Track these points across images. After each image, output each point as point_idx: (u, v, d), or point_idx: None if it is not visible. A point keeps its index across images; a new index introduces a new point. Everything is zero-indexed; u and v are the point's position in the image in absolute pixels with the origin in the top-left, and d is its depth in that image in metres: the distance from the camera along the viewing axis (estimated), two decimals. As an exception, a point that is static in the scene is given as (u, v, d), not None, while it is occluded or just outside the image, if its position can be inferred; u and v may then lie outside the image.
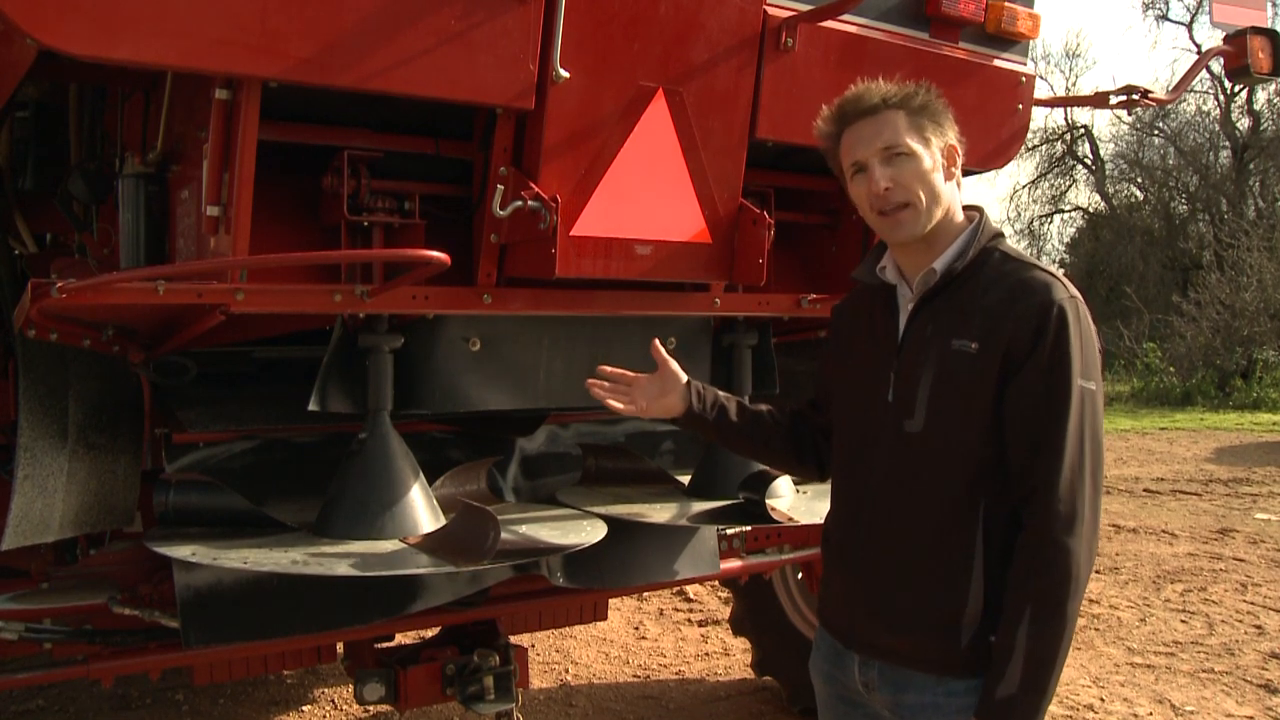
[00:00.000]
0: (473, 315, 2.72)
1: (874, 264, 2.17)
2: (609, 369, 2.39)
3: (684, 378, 2.37)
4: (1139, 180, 26.40)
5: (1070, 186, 28.53)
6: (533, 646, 5.24)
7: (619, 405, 2.34)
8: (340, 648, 3.44)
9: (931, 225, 2.04)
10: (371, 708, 4.34)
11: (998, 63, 3.15)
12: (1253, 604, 6.27)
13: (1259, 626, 5.85)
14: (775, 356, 3.43)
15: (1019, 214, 28.56)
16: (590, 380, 2.36)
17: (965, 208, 2.11)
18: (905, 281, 2.12)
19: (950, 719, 1.99)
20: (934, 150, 2.03)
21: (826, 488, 3.35)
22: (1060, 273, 2.02)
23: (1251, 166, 23.52)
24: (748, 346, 3.29)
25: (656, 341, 2.40)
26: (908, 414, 2.03)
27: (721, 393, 2.41)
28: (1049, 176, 28.25)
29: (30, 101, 3.10)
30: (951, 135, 2.07)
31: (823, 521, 2.31)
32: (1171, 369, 18.75)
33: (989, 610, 1.95)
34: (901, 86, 2.07)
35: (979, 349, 1.96)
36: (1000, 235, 2.09)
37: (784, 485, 3.15)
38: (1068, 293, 1.96)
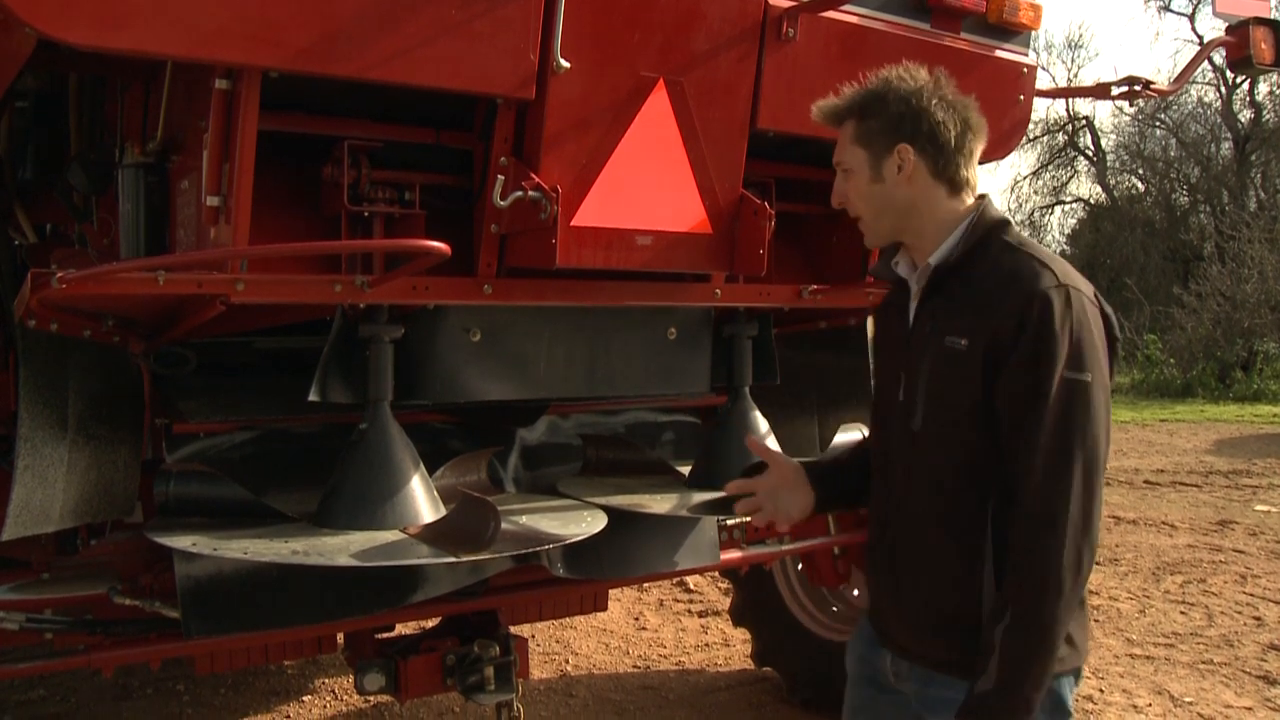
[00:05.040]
0: (473, 306, 2.72)
1: (890, 257, 2.16)
2: (731, 489, 2.33)
3: (799, 469, 2.29)
4: (1140, 172, 26.37)
5: (1071, 178, 28.51)
6: (533, 637, 5.25)
7: (765, 521, 2.31)
8: (341, 638, 3.44)
9: (889, 234, 2.08)
10: (372, 698, 4.35)
11: (999, 53, 3.15)
12: (1252, 595, 6.28)
13: (1258, 618, 5.86)
14: (776, 347, 3.43)
15: (1020, 205, 28.54)
16: (736, 506, 2.33)
17: (977, 197, 2.07)
18: (914, 276, 2.12)
19: None
20: (877, 159, 2.02)
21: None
22: (1057, 262, 1.97)
23: (1253, 158, 23.48)
24: (748, 337, 3.29)
25: (751, 439, 2.40)
26: (912, 413, 2.03)
27: (825, 462, 2.42)
28: (1050, 168, 28.22)
29: (30, 92, 3.09)
30: (909, 131, 2.00)
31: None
32: (1172, 360, 18.74)
33: None
34: (871, 85, 2.06)
35: (968, 345, 1.94)
36: (1003, 223, 2.04)
37: (784, 476, 3.14)
38: (1056, 281, 1.91)
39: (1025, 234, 2.04)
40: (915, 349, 2.05)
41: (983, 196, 2.08)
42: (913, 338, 2.07)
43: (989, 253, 2.00)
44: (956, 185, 2.04)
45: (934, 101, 2.01)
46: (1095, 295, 1.98)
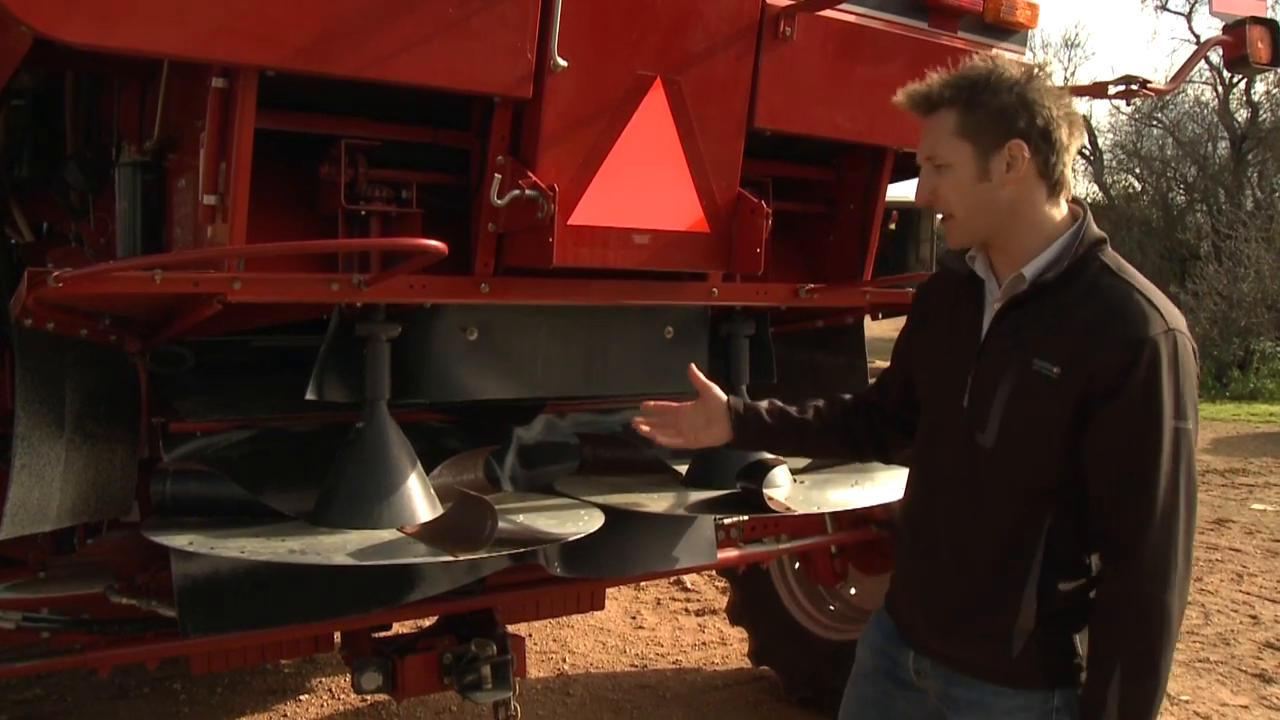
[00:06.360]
0: (470, 304, 2.72)
1: (964, 249, 2.05)
2: (651, 404, 2.37)
3: (724, 400, 2.32)
4: (1137, 171, 26.33)
5: (1068, 176, 28.49)
6: (530, 636, 5.25)
7: (667, 440, 2.33)
8: (338, 637, 3.44)
9: (981, 235, 1.95)
10: (369, 697, 4.34)
11: (996, 52, 3.14)
12: (1248, 594, 6.29)
13: (1254, 616, 5.86)
14: (773, 346, 3.43)
15: (1017, 204, 28.39)
16: (635, 419, 2.37)
17: (1072, 202, 1.96)
18: (994, 276, 2.00)
19: (992, 719, 1.97)
20: (984, 155, 1.88)
21: (826, 477, 3.39)
22: (1160, 298, 1.86)
23: (1250, 157, 23.45)
24: (745, 336, 3.29)
25: (693, 366, 2.39)
26: (980, 425, 1.95)
27: (764, 405, 2.33)
28: (1047, 167, 28.11)
29: (26, 90, 3.09)
30: (1022, 126, 1.85)
31: (899, 501, 2.27)
32: (1168, 359, 18.70)
33: (1041, 623, 1.91)
34: (973, 70, 1.90)
35: (1060, 374, 1.84)
36: (1102, 241, 1.92)
37: (781, 475, 3.15)
38: (1165, 325, 1.82)
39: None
40: (991, 360, 1.95)
41: (1080, 203, 1.97)
42: (988, 346, 1.97)
43: (1086, 273, 1.89)
44: (1058, 186, 1.92)
45: (1045, 93, 1.87)
46: (1186, 330, 1.88)
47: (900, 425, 2.30)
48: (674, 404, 2.36)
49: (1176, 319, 1.86)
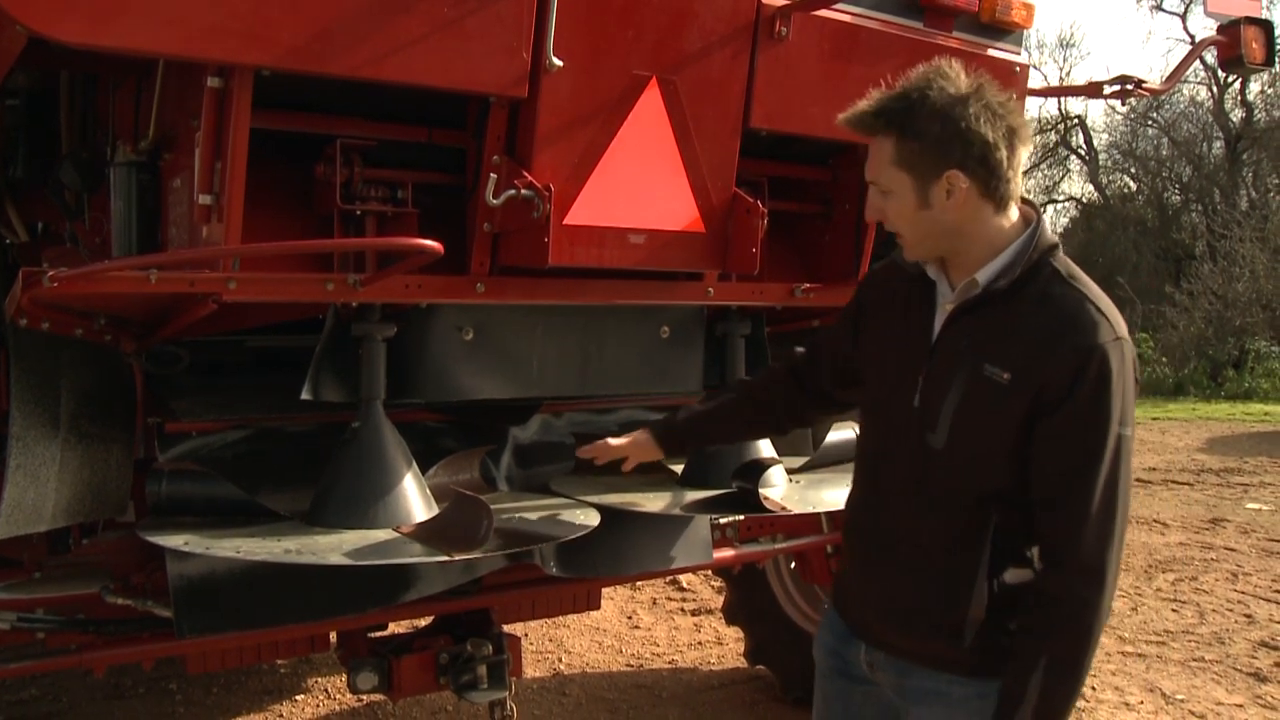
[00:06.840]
0: (466, 304, 2.72)
1: None
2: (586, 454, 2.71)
3: (644, 437, 2.63)
4: (1132, 171, 26.39)
5: (1064, 176, 28.54)
6: (526, 635, 5.25)
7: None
8: (333, 637, 3.44)
9: (932, 254, 1.99)
10: (365, 697, 4.34)
11: (991, 52, 3.15)
12: (1243, 593, 6.30)
13: (1249, 615, 5.87)
14: (769, 346, 3.43)
15: (1013, 204, 28.42)
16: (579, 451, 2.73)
17: (1024, 202, 1.96)
18: (946, 279, 2.01)
19: (954, 708, 2.00)
20: (923, 185, 1.88)
21: (821, 477, 3.39)
22: (1108, 306, 1.90)
23: (1245, 157, 23.51)
24: (741, 336, 3.29)
25: (582, 450, 2.72)
26: (931, 427, 1.97)
27: (681, 413, 2.64)
28: (1042, 166, 28.22)
29: (20, 89, 3.08)
30: (958, 155, 1.85)
31: (844, 504, 2.30)
32: (1164, 359, 18.77)
33: (992, 612, 1.95)
34: (910, 92, 1.88)
35: (1010, 380, 1.86)
36: (1055, 247, 1.93)
37: (777, 474, 3.15)
38: (1113, 334, 1.85)
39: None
40: (942, 362, 1.98)
41: (1032, 205, 1.98)
42: (939, 348, 1.99)
43: (1038, 280, 1.91)
44: (1004, 201, 1.92)
45: (981, 117, 1.84)
46: (1129, 336, 1.92)
47: (831, 403, 2.44)
48: (609, 443, 2.67)
49: (1122, 326, 1.89)
